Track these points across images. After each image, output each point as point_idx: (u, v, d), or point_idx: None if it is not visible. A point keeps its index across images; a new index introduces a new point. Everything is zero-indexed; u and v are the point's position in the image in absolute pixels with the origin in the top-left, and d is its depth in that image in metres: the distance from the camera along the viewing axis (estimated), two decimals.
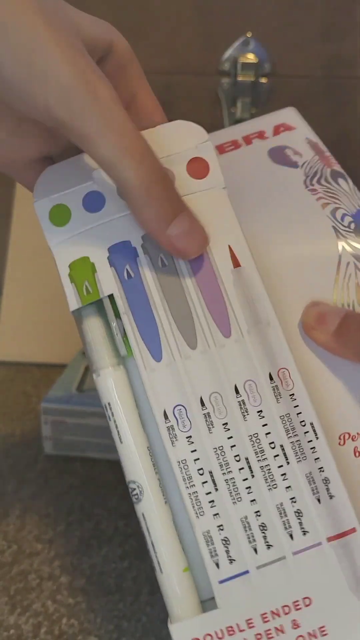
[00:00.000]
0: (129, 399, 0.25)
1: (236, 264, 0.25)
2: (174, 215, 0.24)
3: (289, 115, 0.32)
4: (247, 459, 0.24)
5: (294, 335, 0.26)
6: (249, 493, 0.24)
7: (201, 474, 0.24)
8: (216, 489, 0.24)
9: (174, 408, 0.24)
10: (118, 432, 0.25)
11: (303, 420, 0.24)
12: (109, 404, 0.25)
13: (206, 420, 0.24)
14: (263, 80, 0.57)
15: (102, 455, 0.43)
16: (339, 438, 0.25)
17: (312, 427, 0.24)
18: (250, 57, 0.57)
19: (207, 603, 0.24)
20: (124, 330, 0.25)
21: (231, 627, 0.23)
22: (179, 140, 0.27)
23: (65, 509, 0.39)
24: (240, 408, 0.24)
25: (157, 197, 0.24)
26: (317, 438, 0.24)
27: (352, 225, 0.28)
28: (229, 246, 0.26)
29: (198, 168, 0.26)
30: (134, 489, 0.24)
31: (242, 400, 0.24)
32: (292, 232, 0.28)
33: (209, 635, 0.23)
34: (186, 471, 0.24)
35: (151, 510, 0.24)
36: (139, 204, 0.24)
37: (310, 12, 0.56)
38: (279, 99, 0.59)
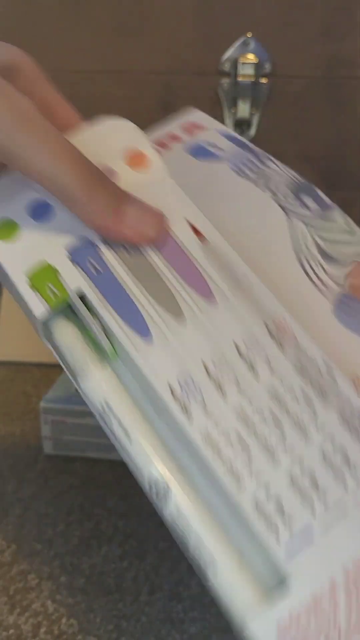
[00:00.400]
0: (125, 394, 0.23)
1: (199, 234, 0.25)
2: (120, 204, 0.24)
3: (195, 115, 0.32)
4: (271, 411, 0.22)
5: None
6: (286, 450, 0.21)
7: (229, 441, 0.21)
8: (251, 453, 0.21)
9: (179, 381, 0.22)
10: (124, 429, 0.22)
11: (314, 362, 0.23)
12: (105, 403, 0.23)
13: (216, 385, 0.22)
14: (263, 80, 0.57)
15: (102, 455, 0.43)
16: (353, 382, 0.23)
17: (326, 366, 0.22)
18: (251, 57, 0.57)
19: (275, 589, 0.21)
20: (103, 323, 0.24)
21: (311, 600, 0.20)
22: (112, 137, 0.27)
23: (64, 509, 0.39)
24: (246, 364, 0.23)
25: (100, 192, 0.24)
26: (335, 379, 0.22)
27: (292, 197, 0.28)
28: (187, 219, 0.25)
29: (138, 160, 0.26)
30: (157, 489, 0.22)
31: (246, 355, 0.23)
32: (242, 219, 0.28)
33: (293, 617, 0.20)
34: (211, 443, 0.21)
35: (184, 506, 0.21)
36: (84, 205, 0.24)
37: (310, 12, 0.56)
38: (279, 99, 0.59)
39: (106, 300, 0.24)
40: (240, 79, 0.57)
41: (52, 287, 0.24)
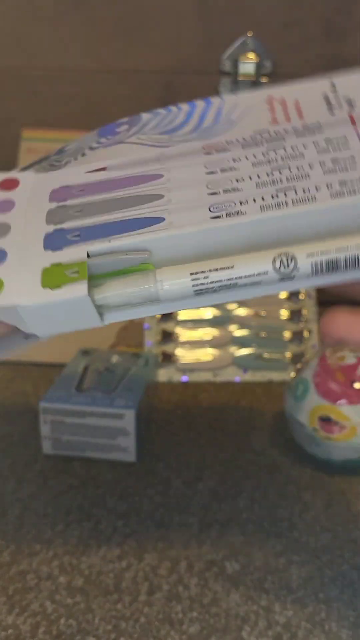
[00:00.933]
0: (195, 260, 0.26)
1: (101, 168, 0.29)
2: None
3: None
4: (271, 163, 0.27)
5: None
6: (304, 163, 0.26)
7: (273, 196, 0.25)
8: (293, 183, 0.26)
9: (210, 210, 0.26)
10: (220, 269, 0.25)
11: (257, 133, 0.28)
12: (193, 276, 0.25)
13: (225, 190, 0.26)
14: (263, 79, 0.57)
15: (101, 455, 0.43)
16: None
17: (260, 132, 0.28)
18: (251, 57, 0.57)
19: None
20: (128, 248, 0.26)
21: None
22: None
23: (64, 509, 0.39)
24: (224, 170, 0.27)
25: None
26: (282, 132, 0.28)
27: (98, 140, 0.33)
28: (84, 171, 0.29)
29: (10, 184, 0.30)
30: (286, 265, 0.25)
31: (217, 168, 0.27)
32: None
33: None
34: (269, 207, 0.25)
35: (311, 251, 0.25)
36: None
37: (310, 12, 0.56)
38: None
39: (109, 237, 0.26)
40: (240, 78, 0.57)
41: (68, 272, 0.26)
